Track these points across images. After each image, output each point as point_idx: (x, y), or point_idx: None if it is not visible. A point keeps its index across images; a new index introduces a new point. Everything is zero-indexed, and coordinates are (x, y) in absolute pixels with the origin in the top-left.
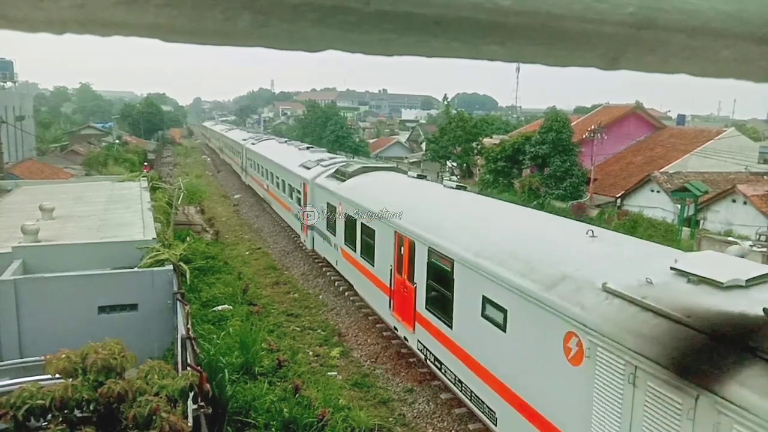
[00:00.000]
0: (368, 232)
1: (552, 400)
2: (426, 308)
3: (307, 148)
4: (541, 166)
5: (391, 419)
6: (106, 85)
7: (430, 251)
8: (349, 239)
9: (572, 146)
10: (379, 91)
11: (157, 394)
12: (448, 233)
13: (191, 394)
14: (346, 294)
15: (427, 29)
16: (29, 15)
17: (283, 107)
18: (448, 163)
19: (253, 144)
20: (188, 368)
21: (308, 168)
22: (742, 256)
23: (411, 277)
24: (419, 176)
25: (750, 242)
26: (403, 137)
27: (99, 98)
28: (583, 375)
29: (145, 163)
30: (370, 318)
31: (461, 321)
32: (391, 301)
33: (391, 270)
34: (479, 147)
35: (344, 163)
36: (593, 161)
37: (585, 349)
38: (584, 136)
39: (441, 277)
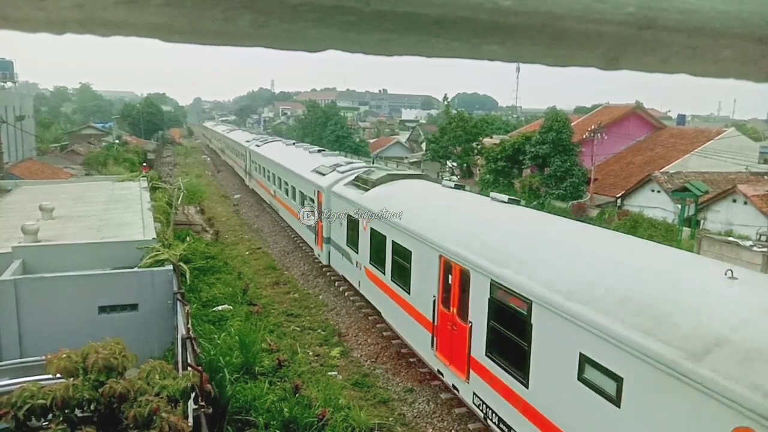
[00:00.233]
0: (402, 253)
1: None
2: (487, 355)
3: (319, 151)
4: (542, 166)
5: (391, 419)
6: (106, 85)
7: (494, 285)
8: (376, 259)
9: (572, 146)
10: (379, 91)
11: (158, 395)
12: (518, 263)
13: (192, 395)
14: (346, 294)
15: (428, 29)
16: (29, 15)
17: (283, 107)
18: (448, 163)
19: (258, 146)
20: (189, 368)
21: (323, 174)
22: None
23: (463, 314)
24: (456, 186)
25: (750, 242)
26: (403, 137)
27: (99, 98)
28: None
29: (144, 164)
30: (370, 318)
31: (543, 380)
32: (435, 339)
33: (434, 301)
34: (479, 147)
35: (365, 170)
36: (593, 161)
37: None
38: (584, 136)
39: (510, 319)
